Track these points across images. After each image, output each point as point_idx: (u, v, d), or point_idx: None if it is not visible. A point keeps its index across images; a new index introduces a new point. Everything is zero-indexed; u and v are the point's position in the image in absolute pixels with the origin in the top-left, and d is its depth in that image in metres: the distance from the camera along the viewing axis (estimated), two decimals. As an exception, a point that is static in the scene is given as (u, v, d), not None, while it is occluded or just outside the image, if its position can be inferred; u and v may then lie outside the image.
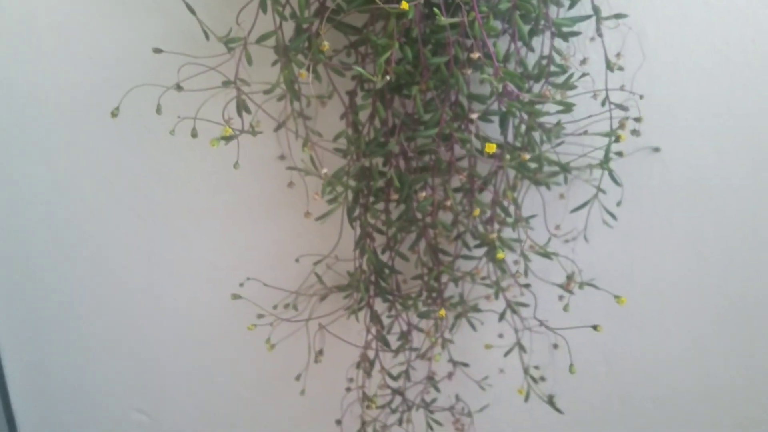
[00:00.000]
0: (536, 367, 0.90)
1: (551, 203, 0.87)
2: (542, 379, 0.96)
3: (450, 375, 0.97)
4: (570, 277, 0.80)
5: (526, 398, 0.88)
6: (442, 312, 0.72)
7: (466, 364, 0.96)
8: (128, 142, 0.94)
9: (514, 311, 0.87)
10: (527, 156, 0.62)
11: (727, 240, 0.89)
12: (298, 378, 1.00)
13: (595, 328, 0.68)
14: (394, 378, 0.92)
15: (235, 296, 0.82)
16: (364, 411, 0.93)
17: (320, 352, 0.95)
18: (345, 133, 0.72)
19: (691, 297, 0.92)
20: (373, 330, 0.88)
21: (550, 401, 0.88)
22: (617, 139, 0.63)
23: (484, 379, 0.98)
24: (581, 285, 0.83)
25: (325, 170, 0.67)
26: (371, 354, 0.90)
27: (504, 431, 1.05)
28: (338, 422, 0.93)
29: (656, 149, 0.85)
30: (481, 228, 0.82)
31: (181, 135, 0.91)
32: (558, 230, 0.84)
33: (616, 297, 0.68)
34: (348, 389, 0.95)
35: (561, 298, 0.80)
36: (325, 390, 1.01)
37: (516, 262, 0.86)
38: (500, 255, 0.67)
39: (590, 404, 1.00)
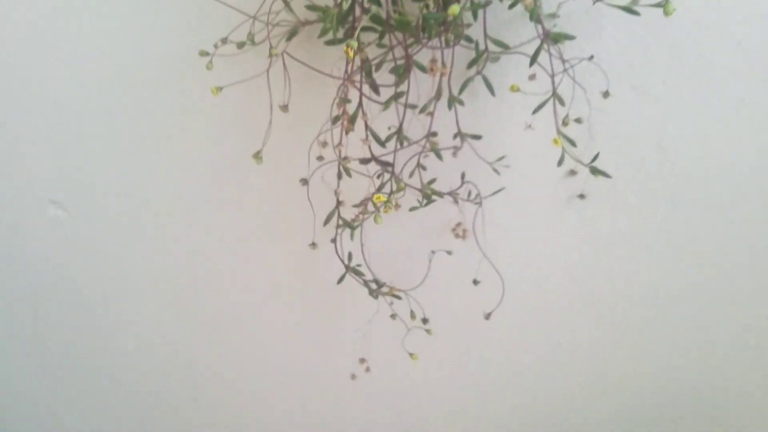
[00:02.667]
0: (578, 120, 0.66)
1: None
2: (576, 165, 0.72)
3: (455, 151, 0.73)
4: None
5: (560, 161, 0.65)
6: None
7: (477, 136, 0.73)
8: None
9: (556, 41, 0.62)
10: None
11: None
12: (257, 155, 0.76)
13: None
14: (382, 143, 0.68)
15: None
16: (339, 186, 0.69)
17: (284, 107, 0.71)
18: None
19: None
20: (357, 60, 0.63)
21: (593, 167, 0.65)
22: None
23: (499, 159, 0.74)
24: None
25: None
26: (351, 105, 0.66)
27: (514, 237, 0.82)
28: (304, 181, 0.69)
29: None
30: None
31: None
32: None
33: None
34: (320, 158, 0.71)
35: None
36: (291, 162, 0.77)
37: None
38: None
39: (632, 201, 0.78)
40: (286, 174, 0.80)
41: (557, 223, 0.81)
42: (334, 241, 0.74)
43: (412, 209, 0.68)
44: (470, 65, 0.69)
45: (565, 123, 0.63)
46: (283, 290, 0.91)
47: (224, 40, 0.70)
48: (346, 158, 0.61)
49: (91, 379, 1.04)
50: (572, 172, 0.77)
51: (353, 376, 0.93)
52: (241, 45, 0.70)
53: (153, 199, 0.87)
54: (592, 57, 0.66)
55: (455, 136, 0.73)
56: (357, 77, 0.65)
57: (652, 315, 0.85)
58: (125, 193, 0.87)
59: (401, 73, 0.64)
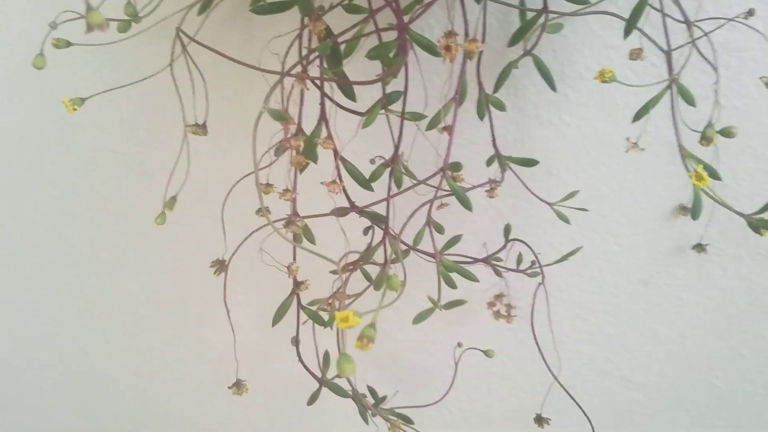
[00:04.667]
0: (726, 132, 0.36)
1: None
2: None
3: (492, 187, 0.43)
4: None
5: (696, 211, 0.35)
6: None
7: (531, 162, 0.43)
8: None
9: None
10: None
11: None
12: (163, 212, 0.47)
13: None
14: (366, 183, 0.39)
15: None
16: (295, 260, 0.40)
17: (200, 127, 0.42)
18: None
19: None
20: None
21: (760, 220, 0.34)
22: None
23: (568, 197, 0.44)
24: None
25: None
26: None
27: (593, 319, 0.53)
28: (219, 267, 0.39)
29: None
30: None
31: None
32: None
33: None
34: (262, 211, 0.42)
35: None
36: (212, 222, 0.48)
37: None
38: None
39: None
40: (209, 240, 0.51)
41: (659, 289, 0.51)
42: (296, 342, 0.44)
43: (417, 320, 0.39)
44: (513, 41, 0.40)
45: (707, 138, 0.33)
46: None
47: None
48: (290, 221, 0.32)
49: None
50: (683, 210, 0.47)
51: None
52: (124, 26, 0.41)
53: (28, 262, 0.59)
54: (751, 12, 0.36)
55: (491, 161, 0.44)
56: (312, 69, 0.35)
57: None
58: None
59: (392, 57, 0.34)
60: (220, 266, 0.37)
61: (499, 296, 0.51)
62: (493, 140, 0.42)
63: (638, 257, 0.49)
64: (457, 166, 0.36)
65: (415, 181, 0.38)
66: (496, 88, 0.41)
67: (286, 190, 0.37)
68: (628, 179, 0.47)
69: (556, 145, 0.46)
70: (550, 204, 0.44)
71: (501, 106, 0.40)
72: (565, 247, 0.48)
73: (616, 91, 0.44)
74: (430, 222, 0.36)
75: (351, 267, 0.40)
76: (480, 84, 0.40)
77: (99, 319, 0.63)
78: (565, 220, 0.43)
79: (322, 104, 0.37)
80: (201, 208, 0.52)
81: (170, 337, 0.63)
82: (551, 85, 0.42)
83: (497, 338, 0.54)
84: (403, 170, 0.38)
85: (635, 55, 0.34)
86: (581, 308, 0.52)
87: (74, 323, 0.64)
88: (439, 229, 0.38)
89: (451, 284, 0.35)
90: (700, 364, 0.53)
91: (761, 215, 0.33)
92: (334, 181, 0.35)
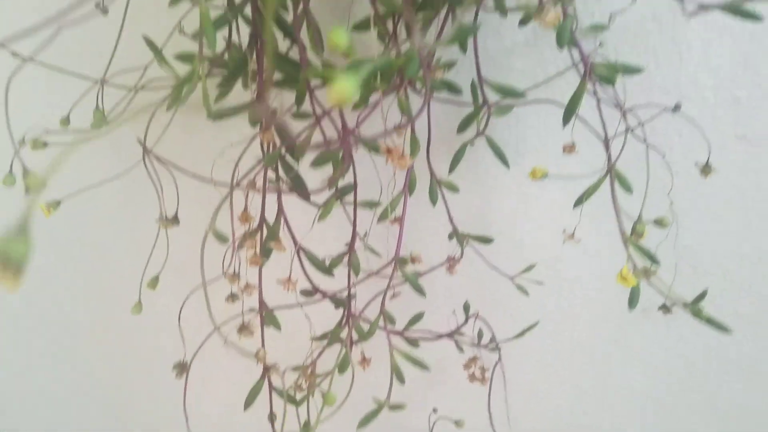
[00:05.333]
0: (659, 222, 0.37)
1: None
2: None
3: (451, 265, 0.45)
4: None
5: (633, 302, 0.36)
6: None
7: (485, 240, 0.44)
8: None
9: (608, 80, 0.34)
10: None
11: None
12: (138, 303, 0.49)
13: None
14: (326, 270, 0.41)
15: None
16: (264, 346, 0.42)
17: (171, 220, 0.44)
18: None
19: None
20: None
21: (695, 309, 0.35)
22: None
23: (526, 270, 0.46)
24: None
25: None
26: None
27: (559, 388, 0.53)
28: (181, 371, 0.41)
29: None
30: None
31: None
32: None
33: None
34: (231, 298, 0.43)
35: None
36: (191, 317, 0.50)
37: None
38: None
39: (744, 310, 0.48)
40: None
41: (630, 348, 0.51)
42: (272, 418, 0.46)
43: (362, 425, 0.40)
44: (461, 129, 0.41)
45: (637, 234, 0.34)
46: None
47: (64, 121, 0.43)
48: (243, 328, 0.34)
49: None
50: (647, 272, 0.48)
51: None
52: (100, 126, 0.44)
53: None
54: (677, 107, 0.37)
55: (451, 237, 0.45)
56: (266, 177, 0.37)
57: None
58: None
59: (337, 164, 0.36)
60: (181, 369, 0.39)
61: (473, 359, 0.52)
62: (450, 219, 0.43)
63: (607, 318, 0.50)
64: (404, 261, 0.38)
65: (374, 266, 0.39)
66: (451, 168, 0.43)
67: (248, 286, 0.38)
68: (592, 245, 0.48)
69: (518, 215, 0.47)
70: (510, 277, 0.45)
71: (454, 189, 0.42)
72: (535, 312, 0.50)
73: (575, 163, 0.46)
74: (384, 312, 0.38)
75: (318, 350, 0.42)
76: (431, 170, 0.41)
77: (97, 403, 0.65)
78: (524, 292, 0.45)
79: (279, 201, 0.39)
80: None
81: (172, 408, 0.65)
82: (505, 163, 0.43)
83: (477, 400, 0.55)
84: (361, 256, 0.39)
85: (568, 150, 0.36)
86: (555, 366, 0.53)
87: (75, 405, 0.66)
88: (392, 320, 0.40)
89: (401, 378, 0.37)
90: (679, 419, 0.54)
91: (696, 305, 0.34)
92: (288, 279, 0.37)
